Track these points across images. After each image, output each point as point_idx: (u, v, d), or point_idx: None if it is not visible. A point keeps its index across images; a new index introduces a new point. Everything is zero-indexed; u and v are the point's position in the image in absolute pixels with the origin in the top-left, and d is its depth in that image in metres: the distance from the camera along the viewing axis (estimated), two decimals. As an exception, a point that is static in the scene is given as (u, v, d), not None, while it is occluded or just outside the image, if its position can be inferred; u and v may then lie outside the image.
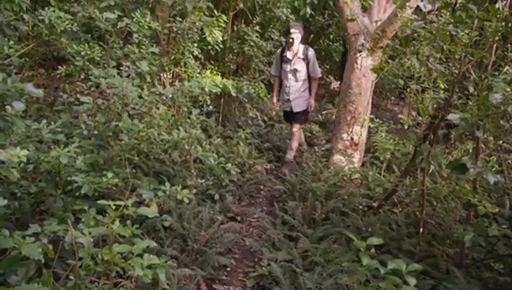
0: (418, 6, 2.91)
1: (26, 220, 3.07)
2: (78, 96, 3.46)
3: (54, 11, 4.78)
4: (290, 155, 5.39)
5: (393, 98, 9.08)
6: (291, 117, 5.46)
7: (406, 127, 3.98)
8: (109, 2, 4.80)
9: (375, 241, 1.91)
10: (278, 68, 5.42)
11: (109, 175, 2.54)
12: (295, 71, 5.25)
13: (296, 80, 5.29)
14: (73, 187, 2.52)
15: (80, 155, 2.67)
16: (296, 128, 5.38)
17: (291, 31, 5.16)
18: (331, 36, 10.39)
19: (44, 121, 3.30)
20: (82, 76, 4.50)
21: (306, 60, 5.24)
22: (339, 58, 10.04)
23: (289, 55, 5.25)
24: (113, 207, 2.02)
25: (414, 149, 3.18)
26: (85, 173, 2.71)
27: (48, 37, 4.91)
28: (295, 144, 5.43)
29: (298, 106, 5.32)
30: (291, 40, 5.16)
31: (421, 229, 3.21)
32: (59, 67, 4.79)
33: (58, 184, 2.74)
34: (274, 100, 5.63)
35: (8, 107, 2.39)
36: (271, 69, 5.64)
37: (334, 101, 8.10)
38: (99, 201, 2.11)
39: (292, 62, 5.24)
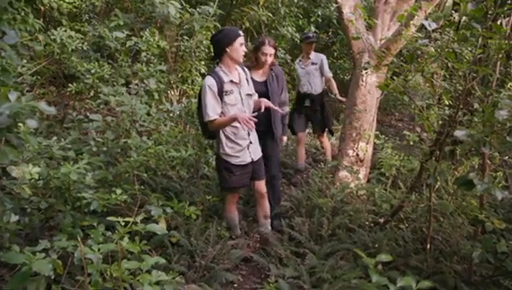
0: (422, 24, 2.97)
1: (35, 235, 3.11)
2: (87, 113, 3.52)
3: (65, 31, 4.91)
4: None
5: (397, 114, 9.11)
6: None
7: (411, 143, 4.00)
8: (118, 22, 4.94)
9: (384, 258, 1.92)
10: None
11: (118, 191, 2.58)
12: None
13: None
14: (82, 203, 2.55)
15: (90, 172, 2.72)
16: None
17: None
18: (335, 54, 10.49)
19: (55, 138, 3.37)
20: (92, 94, 4.60)
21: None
22: (344, 75, 10.11)
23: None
24: (122, 223, 2.04)
25: (421, 165, 3.20)
26: (94, 189, 2.75)
27: (59, 56, 5.04)
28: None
29: None
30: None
31: (428, 246, 3.20)
32: (70, 85, 4.90)
33: (67, 200, 2.78)
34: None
35: (21, 124, 2.45)
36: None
37: (339, 117, 8.14)
38: (108, 218, 2.14)
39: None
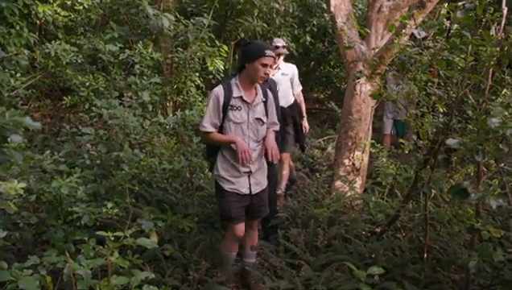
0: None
1: (27, 250, 3.08)
2: (80, 127, 3.51)
3: (60, 44, 4.93)
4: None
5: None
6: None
7: (406, 152, 3.98)
8: (113, 34, 4.96)
9: (376, 270, 1.89)
10: None
11: (109, 205, 2.56)
12: None
13: None
14: (74, 217, 2.53)
15: (82, 186, 2.70)
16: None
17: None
18: (331, 63, 10.54)
19: (48, 151, 3.35)
20: (86, 107, 4.59)
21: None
22: (340, 84, 10.14)
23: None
24: (112, 238, 2.02)
25: (416, 174, 3.18)
26: (86, 203, 2.73)
27: (54, 69, 5.06)
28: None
29: None
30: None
31: (425, 255, 3.17)
32: (64, 98, 4.90)
33: (59, 214, 2.75)
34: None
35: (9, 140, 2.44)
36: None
37: (336, 126, 8.14)
38: (98, 232, 2.12)
39: None
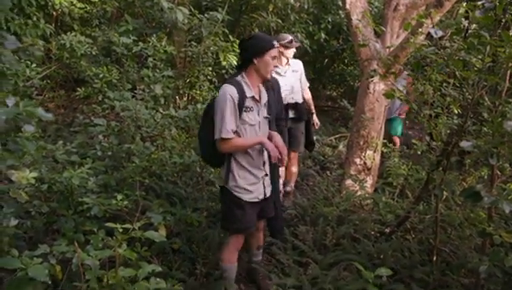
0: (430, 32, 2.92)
1: (38, 239, 3.12)
2: (92, 118, 3.54)
3: (75, 35, 4.97)
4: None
5: (407, 122, 9.01)
6: None
7: (418, 153, 3.93)
8: (127, 27, 4.98)
9: (384, 271, 1.87)
10: None
11: (119, 197, 2.57)
12: None
13: None
14: (84, 208, 2.55)
15: (93, 177, 2.72)
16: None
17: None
18: (345, 60, 10.44)
19: (61, 142, 3.39)
20: (100, 98, 4.62)
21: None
22: (353, 82, 10.05)
23: None
24: (121, 230, 2.03)
25: (427, 175, 3.14)
26: (97, 194, 2.75)
27: (69, 60, 5.10)
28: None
29: None
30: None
31: (435, 258, 3.13)
32: (78, 89, 4.94)
33: (70, 204, 2.78)
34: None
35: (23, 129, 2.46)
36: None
37: (348, 124, 8.08)
38: (107, 224, 2.13)
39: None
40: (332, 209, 3.97)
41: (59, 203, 2.74)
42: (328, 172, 5.51)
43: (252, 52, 2.68)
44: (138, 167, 2.90)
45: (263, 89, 2.85)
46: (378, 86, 4.49)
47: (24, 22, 5.09)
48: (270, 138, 2.83)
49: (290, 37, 4.55)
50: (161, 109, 4.15)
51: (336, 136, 7.15)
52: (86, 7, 6.03)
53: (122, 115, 3.10)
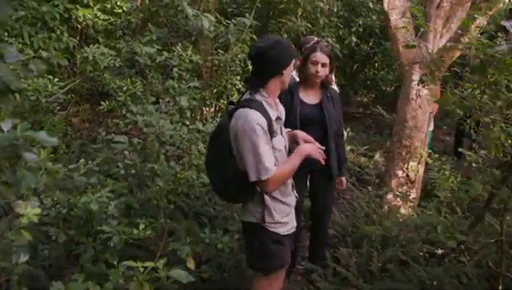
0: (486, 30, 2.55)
1: (59, 265, 2.92)
2: (113, 135, 3.31)
3: (98, 48, 4.81)
4: None
5: (444, 127, 8.50)
6: None
7: (474, 165, 3.52)
8: (151, 37, 4.78)
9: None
10: None
11: (141, 226, 2.31)
12: None
13: None
14: (104, 237, 2.30)
15: (113, 201, 2.47)
16: None
17: None
18: (376, 65, 10.02)
19: (82, 160, 3.18)
20: (124, 112, 4.42)
21: None
22: (385, 86, 9.60)
23: None
24: (141, 269, 1.75)
25: (490, 193, 2.74)
26: (118, 219, 2.50)
27: (92, 73, 4.94)
28: None
29: None
30: None
31: (500, 287, 2.73)
32: (102, 102, 4.77)
33: (90, 230, 2.54)
34: None
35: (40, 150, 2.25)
36: None
37: (382, 132, 7.65)
38: (126, 263, 1.86)
39: None
40: (375, 227, 3.59)
41: (78, 229, 2.50)
42: (369, 188, 5.14)
43: (280, 63, 2.24)
44: (162, 190, 2.63)
45: (278, 101, 2.41)
46: (421, 92, 4.11)
47: (48, 35, 4.97)
48: (294, 140, 2.45)
49: (315, 38, 4.10)
50: (187, 123, 3.91)
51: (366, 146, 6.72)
52: (110, 19, 5.89)
53: (145, 131, 2.85)
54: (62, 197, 2.43)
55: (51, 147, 5.25)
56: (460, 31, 3.32)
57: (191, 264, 2.31)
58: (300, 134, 2.48)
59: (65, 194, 2.48)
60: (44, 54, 3.92)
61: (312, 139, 2.46)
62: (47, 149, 2.20)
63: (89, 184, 2.60)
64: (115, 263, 2.10)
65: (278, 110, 2.35)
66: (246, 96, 2.29)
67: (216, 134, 2.34)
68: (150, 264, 1.82)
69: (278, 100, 2.40)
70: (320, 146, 2.39)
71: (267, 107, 2.24)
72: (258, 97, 2.24)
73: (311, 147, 2.35)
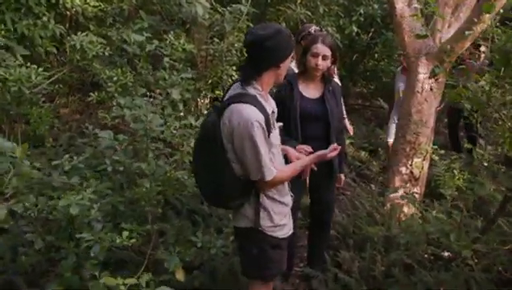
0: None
1: (41, 269, 2.73)
2: (97, 130, 3.09)
3: (87, 35, 4.55)
4: None
5: (445, 120, 8.32)
6: None
7: (485, 164, 3.32)
8: (142, 24, 4.52)
9: None
10: None
11: (125, 233, 2.09)
12: None
13: None
14: (84, 245, 2.09)
15: (96, 203, 2.25)
16: None
17: None
18: (376, 55, 9.78)
19: (67, 155, 2.96)
20: (114, 104, 4.19)
21: None
22: (386, 78, 9.37)
23: None
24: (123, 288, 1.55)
25: (505, 196, 2.55)
26: (103, 223, 2.29)
27: (80, 62, 4.69)
28: None
29: None
30: None
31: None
32: (91, 94, 4.53)
33: (71, 235, 2.33)
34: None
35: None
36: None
37: (383, 125, 7.44)
38: (104, 280, 1.65)
39: None
40: (378, 228, 3.41)
41: (59, 234, 2.29)
42: (365, 181, 4.94)
43: (278, 55, 2.05)
44: (149, 192, 2.41)
45: (268, 94, 2.22)
46: (427, 85, 3.89)
47: (33, 22, 4.70)
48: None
49: (313, 26, 3.72)
50: (180, 116, 3.68)
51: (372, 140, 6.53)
52: (100, 5, 5.61)
53: (132, 126, 2.62)
54: (41, 200, 2.21)
55: (39, 141, 5.00)
56: (474, 19, 3.07)
57: (180, 275, 2.12)
58: (292, 152, 2.37)
59: (45, 197, 2.26)
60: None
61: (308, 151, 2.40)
62: (24, 146, 1.98)
63: (70, 185, 2.38)
64: (97, 273, 1.91)
65: (270, 103, 2.18)
66: (237, 90, 2.09)
67: (205, 134, 2.11)
68: (131, 281, 1.62)
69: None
70: (321, 152, 2.29)
71: (262, 101, 2.05)
72: (250, 90, 2.05)
73: (322, 154, 2.29)
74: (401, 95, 5.43)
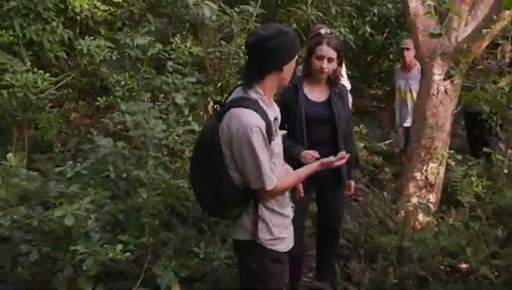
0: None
1: (41, 278, 2.67)
2: (95, 137, 3.02)
3: (94, 39, 4.52)
4: None
5: (462, 122, 8.07)
6: None
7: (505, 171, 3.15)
8: (149, 28, 4.46)
9: None
10: None
11: (119, 247, 2.00)
12: None
13: None
14: (77, 258, 2.01)
15: (94, 213, 2.17)
16: None
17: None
18: (391, 56, 9.57)
19: (70, 162, 2.90)
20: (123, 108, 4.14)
21: None
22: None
23: None
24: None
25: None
26: (99, 234, 2.21)
27: (88, 67, 4.67)
28: None
29: None
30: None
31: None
32: (99, 98, 4.50)
33: (68, 245, 2.26)
34: None
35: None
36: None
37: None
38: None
39: None
40: (390, 237, 3.25)
41: (55, 245, 2.22)
42: (379, 186, 4.79)
43: (281, 56, 1.93)
44: (147, 203, 2.32)
45: (272, 100, 2.07)
46: (443, 87, 3.72)
47: (42, 27, 4.69)
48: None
49: (323, 27, 3.65)
50: (189, 119, 3.59)
51: (386, 142, 6.35)
52: (110, 9, 5.58)
53: (131, 133, 2.54)
54: (37, 210, 2.14)
55: (47, 146, 4.98)
56: (493, 16, 2.90)
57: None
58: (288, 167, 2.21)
59: (41, 207, 2.19)
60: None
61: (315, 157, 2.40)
62: (20, 154, 1.92)
63: (67, 195, 2.30)
64: (89, 289, 1.82)
65: (274, 110, 2.04)
66: (238, 93, 1.97)
67: (204, 139, 2.01)
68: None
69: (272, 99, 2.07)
70: (327, 160, 2.15)
71: (264, 107, 1.92)
72: (252, 94, 1.93)
73: (328, 161, 2.15)
74: (402, 94, 5.30)
